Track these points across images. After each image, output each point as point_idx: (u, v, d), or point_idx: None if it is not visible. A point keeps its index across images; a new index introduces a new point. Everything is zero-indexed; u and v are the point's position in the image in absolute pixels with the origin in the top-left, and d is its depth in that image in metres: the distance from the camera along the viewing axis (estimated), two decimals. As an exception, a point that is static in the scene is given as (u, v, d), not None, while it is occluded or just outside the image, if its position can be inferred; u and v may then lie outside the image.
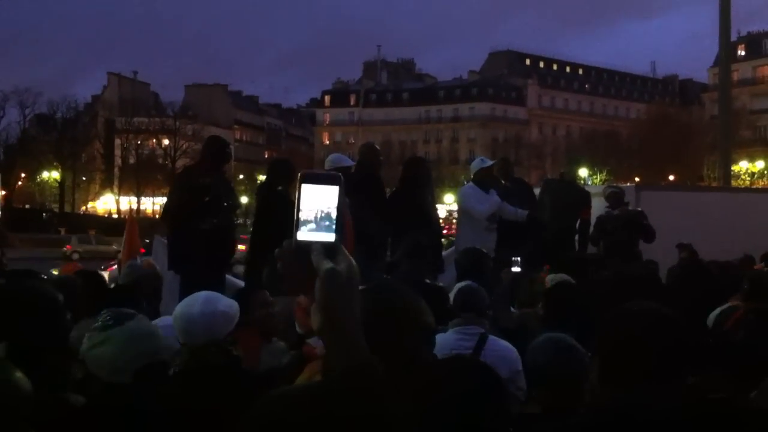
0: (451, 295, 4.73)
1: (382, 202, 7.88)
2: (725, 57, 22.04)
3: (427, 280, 5.32)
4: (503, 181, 9.26)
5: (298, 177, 1.57)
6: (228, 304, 3.40)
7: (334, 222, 1.55)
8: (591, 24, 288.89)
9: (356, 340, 1.49)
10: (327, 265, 1.48)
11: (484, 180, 8.57)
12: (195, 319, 3.24)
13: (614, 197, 10.06)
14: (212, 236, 6.96)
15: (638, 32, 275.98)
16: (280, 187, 7.65)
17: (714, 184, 34.75)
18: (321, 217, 1.55)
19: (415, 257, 6.10)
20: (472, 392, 2.40)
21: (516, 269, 6.86)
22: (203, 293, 3.47)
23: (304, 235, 1.55)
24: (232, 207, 7.47)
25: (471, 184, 8.70)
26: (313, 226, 1.55)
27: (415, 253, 6.18)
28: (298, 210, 1.55)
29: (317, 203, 1.55)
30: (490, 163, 8.86)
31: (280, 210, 7.41)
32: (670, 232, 10.49)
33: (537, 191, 10.52)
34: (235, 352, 3.24)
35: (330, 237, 1.54)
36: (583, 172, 60.51)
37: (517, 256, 6.93)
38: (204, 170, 7.42)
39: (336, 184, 1.57)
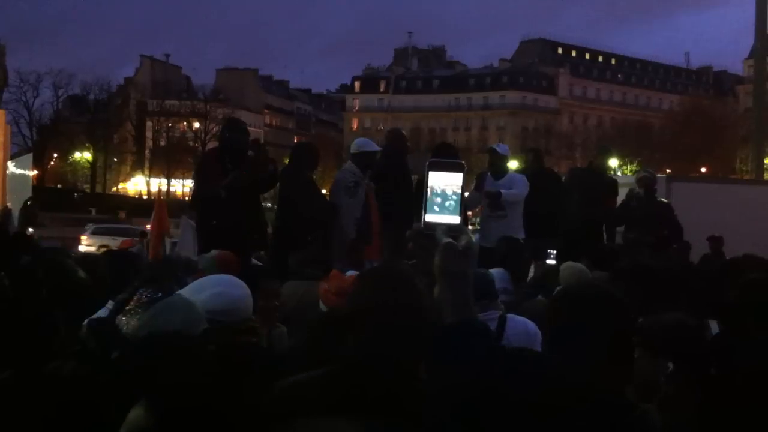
0: None
1: (408, 189, 7.86)
2: (761, 49, 21.72)
3: None
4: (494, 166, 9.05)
5: (426, 165, 1.80)
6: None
7: (459, 205, 1.79)
8: (647, 17, 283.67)
9: (468, 301, 1.79)
10: (446, 240, 1.77)
11: (491, 167, 8.57)
12: (236, 299, 3.27)
13: (645, 181, 9.94)
14: (238, 217, 6.96)
15: (694, 25, 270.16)
16: (307, 172, 7.66)
17: (747, 177, 34.29)
18: (446, 200, 1.80)
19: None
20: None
21: (552, 262, 6.80)
22: (229, 276, 3.50)
23: (431, 217, 1.79)
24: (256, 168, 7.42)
25: (487, 172, 8.74)
26: (438, 209, 1.79)
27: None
28: (426, 194, 1.79)
29: (443, 188, 1.75)
30: (493, 149, 8.82)
31: (302, 194, 7.42)
32: (701, 224, 10.38)
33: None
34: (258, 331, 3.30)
35: (455, 219, 1.79)
36: (613, 162, 59.96)
37: (552, 249, 6.88)
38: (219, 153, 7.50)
39: (460, 171, 1.80)
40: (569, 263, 6.13)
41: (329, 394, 1.98)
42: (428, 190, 1.78)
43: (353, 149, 7.88)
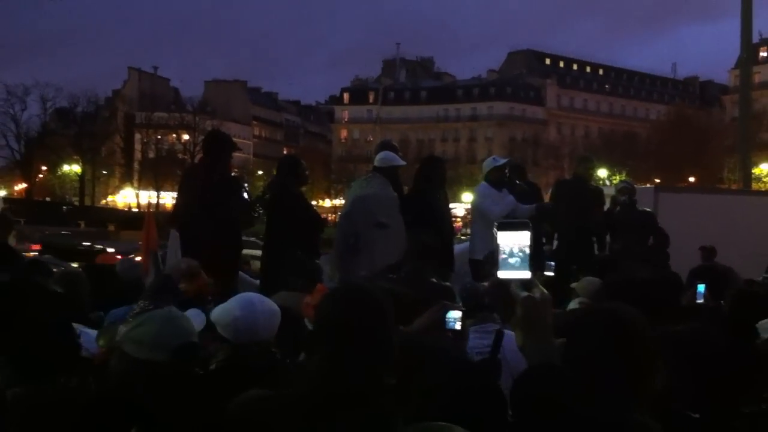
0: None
1: (402, 201, 7.83)
2: (746, 59, 21.88)
3: (434, 279, 5.27)
4: (517, 181, 9.22)
5: (495, 226, 2.06)
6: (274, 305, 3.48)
7: (528, 261, 2.01)
8: (634, 28, 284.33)
9: (549, 347, 2.03)
10: (523, 294, 2.03)
11: (497, 179, 8.51)
12: (257, 319, 3.29)
13: (626, 191, 10.00)
14: (222, 231, 6.93)
15: (681, 36, 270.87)
16: (292, 186, 7.61)
17: (734, 187, 34.47)
18: (514, 257, 2.01)
19: (419, 257, 6.05)
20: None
21: (549, 273, 6.77)
22: (254, 295, 3.56)
23: (503, 273, 2.02)
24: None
25: (485, 183, 8.61)
26: (509, 266, 2.01)
27: (419, 253, 6.13)
28: (498, 253, 2.03)
29: (511, 247, 2.01)
30: (502, 161, 8.76)
31: (291, 208, 7.39)
32: (689, 234, 10.41)
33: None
34: (277, 354, 3.29)
35: (526, 274, 2.02)
36: (602, 172, 60.18)
37: (551, 261, 6.86)
38: (208, 166, 7.40)
39: (526, 229, 2.02)
40: (588, 278, 6.01)
41: (299, 403, 2.06)
42: (498, 248, 2.01)
43: (380, 163, 7.63)
